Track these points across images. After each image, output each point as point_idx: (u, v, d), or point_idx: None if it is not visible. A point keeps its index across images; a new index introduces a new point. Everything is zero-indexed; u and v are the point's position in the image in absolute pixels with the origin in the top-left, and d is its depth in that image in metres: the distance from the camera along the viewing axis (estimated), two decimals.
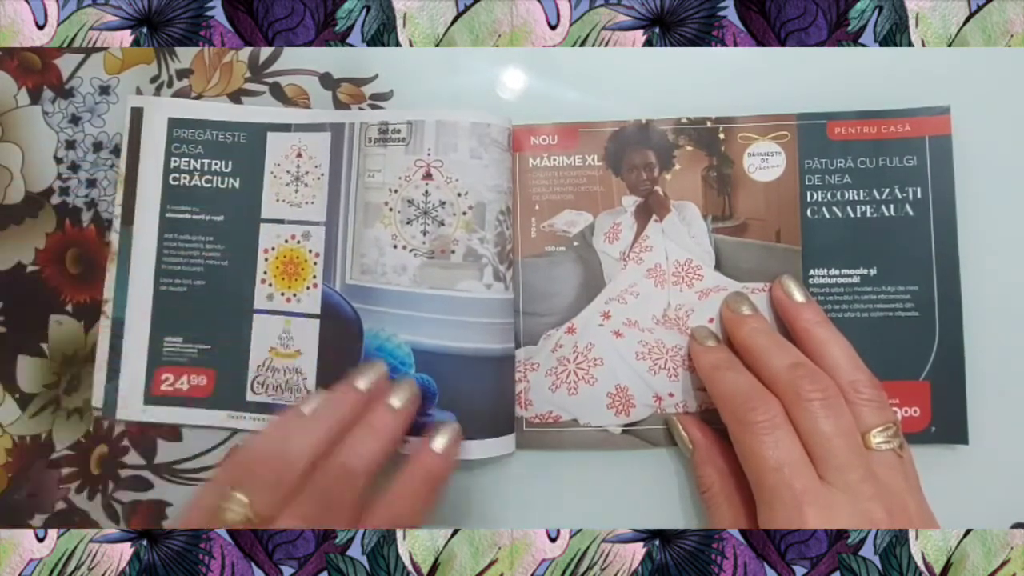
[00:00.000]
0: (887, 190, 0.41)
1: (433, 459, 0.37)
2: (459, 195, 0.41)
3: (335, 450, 0.35)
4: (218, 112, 0.44)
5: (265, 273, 0.43)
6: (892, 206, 0.41)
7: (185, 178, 0.43)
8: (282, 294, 0.43)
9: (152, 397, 0.43)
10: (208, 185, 0.43)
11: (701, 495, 0.39)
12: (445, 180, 0.42)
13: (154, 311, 0.43)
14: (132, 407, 0.43)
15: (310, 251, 0.43)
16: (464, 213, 0.41)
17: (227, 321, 0.43)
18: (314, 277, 0.43)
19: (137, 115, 0.44)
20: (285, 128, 0.43)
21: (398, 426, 0.37)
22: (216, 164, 0.43)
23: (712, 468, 0.39)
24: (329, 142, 0.43)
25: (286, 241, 0.43)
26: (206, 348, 0.43)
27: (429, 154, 0.42)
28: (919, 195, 0.41)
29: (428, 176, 0.42)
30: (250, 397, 0.43)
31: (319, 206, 0.43)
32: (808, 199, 0.42)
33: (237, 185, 0.43)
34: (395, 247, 0.42)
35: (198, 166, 0.44)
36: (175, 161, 0.43)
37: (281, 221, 0.43)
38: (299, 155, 0.43)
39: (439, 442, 0.37)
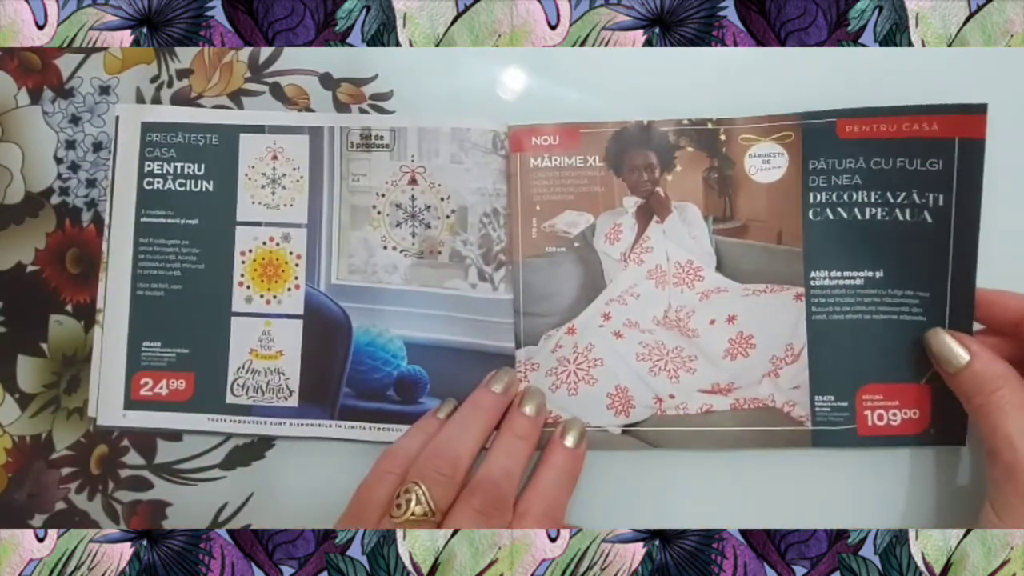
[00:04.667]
0: (903, 194, 0.40)
1: (568, 454, 0.40)
2: (442, 199, 0.43)
3: (491, 452, 0.39)
4: (190, 115, 0.44)
5: (242, 276, 0.43)
6: (908, 211, 0.40)
7: (159, 182, 0.44)
8: (261, 296, 0.43)
9: (132, 402, 0.43)
10: (182, 188, 0.44)
11: (988, 398, 0.37)
12: (429, 185, 0.43)
13: (131, 316, 0.43)
14: (112, 412, 0.43)
15: (291, 253, 0.43)
16: (448, 216, 0.43)
17: (205, 324, 0.43)
18: (296, 278, 0.43)
19: (119, 123, 0.44)
20: (258, 130, 0.44)
21: (536, 430, 0.40)
22: (189, 167, 0.44)
23: (1002, 365, 0.37)
24: (308, 145, 0.43)
25: (264, 243, 0.43)
26: (184, 352, 0.43)
27: (413, 160, 0.43)
28: (940, 202, 0.39)
29: (413, 181, 0.43)
30: (230, 400, 0.43)
31: (299, 208, 0.43)
32: (811, 200, 0.41)
33: (211, 188, 0.44)
34: (385, 248, 0.43)
35: (171, 170, 0.44)
36: (149, 166, 0.44)
37: (258, 223, 0.43)
38: (275, 157, 0.43)
39: (570, 439, 0.40)
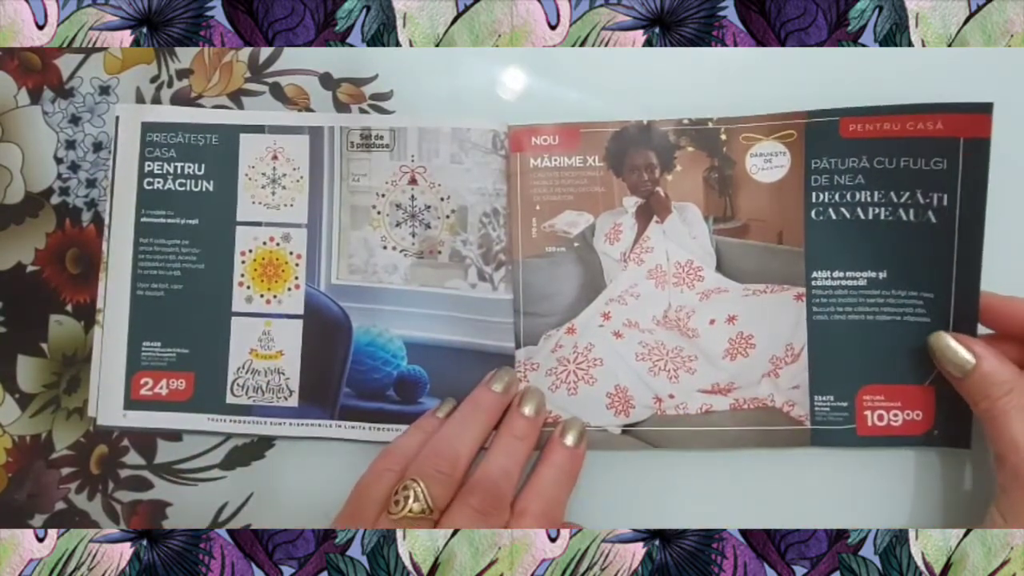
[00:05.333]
0: (907, 194, 0.40)
1: (567, 453, 0.40)
2: (442, 199, 0.43)
3: (490, 452, 0.39)
4: (190, 115, 0.44)
5: (243, 276, 0.43)
6: (912, 211, 0.40)
7: (159, 182, 0.43)
8: (261, 296, 0.43)
9: (132, 402, 0.43)
10: (182, 188, 0.43)
11: (996, 403, 0.36)
12: (429, 185, 0.43)
13: (132, 316, 0.43)
14: (112, 412, 0.43)
15: (291, 253, 0.43)
16: (448, 216, 0.43)
17: (205, 324, 0.43)
18: (296, 278, 0.43)
19: (119, 123, 0.44)
20: (258, 130, 0.44)
21: (535, 431, 0.40)
22: (189, 167, 0.44)
23: (1009, 368, 0.37)
24: (308, 145, 0.43)
25: (264, 243, 0.43)
26: (184, 352, 0.43)
27: (413, 160, 0.43)
28: (945, 202, 0.39)
29: (413, 181, 0.43)
30: (230, 400, 0.43)
31: (299, 208, 0.43)
32: (814, 200, 0.41)
33: (211, 188, 0.44)
34: (385, 248, 0.43)
35: (171, 170, 0.44)
36: (149, 166, 0.44)
37: (258, 223, 0.43)
38: (275, 157, 0.43)
39: (570, 439, 0.40)
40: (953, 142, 0.39)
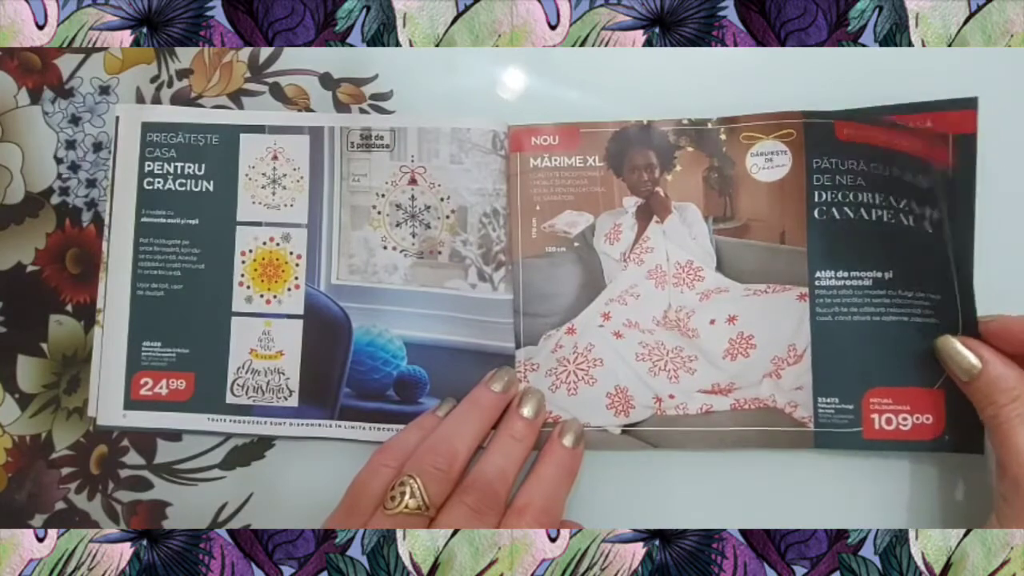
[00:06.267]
0: (904, 200, 0.40)
1: (567, 452, 0.40)
2: (442, 199, 0.43)
3: (488, 452, 0.39)
4: (190, 115, 0.44)
5: (243, 276, 0.43)
6: (911, 217, 0.40)
7: (159, 182, 0.44)
8: (261, 296, 0.43)
9: (132, 402, 0.43)
10: (182, 188, 0.43)
11: (1001, 410, 0.36)
12: (428, 185, 0.43)
13: (132, 316, 0.43)
14: (112, 412, 0.43)
15: (291, 253, 0.43)
16: (447, 217, 0.43)
17: (205, 324, 0.43)
18: (296, 279, 0.43)
19: (119, 123, 0.44)
20: (259, 130, 0.44)
21: (533, 433, 0.40)
22: (189, 167, 0.44)
23: (1016, 374, 0.36)
24: (308, 145, 0.43)
25: (264, 243, 0.43)
26: (184, 352, 0.43)
27: (413, 160, 0.43)
28: (935, 216, 0.40)
29: (413, 181, 0.43)
30: (230, 400, 0.43)
31: (299, 208, 0.43)
32: (816, 199, 0.41)
33: (211, 188, 0.44)
34: (385, 248, 0.43)
35: (171, 170, 0.44)
36: (149, 166, 0.44)
37: (259, 223, 0.43)
38: (275, 157, 0.43)
39: (568, 439, 0.40)
40: (933, 166, 0.39)
